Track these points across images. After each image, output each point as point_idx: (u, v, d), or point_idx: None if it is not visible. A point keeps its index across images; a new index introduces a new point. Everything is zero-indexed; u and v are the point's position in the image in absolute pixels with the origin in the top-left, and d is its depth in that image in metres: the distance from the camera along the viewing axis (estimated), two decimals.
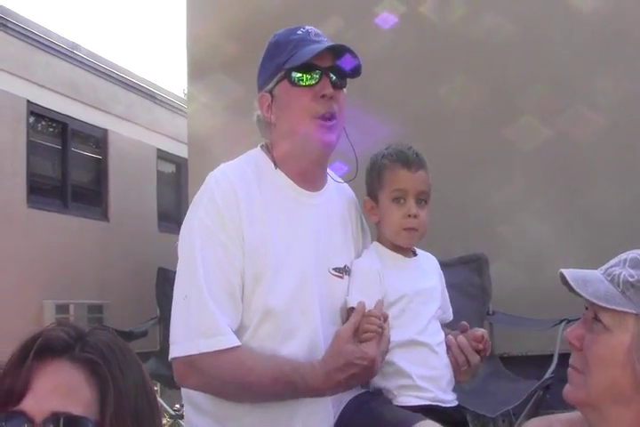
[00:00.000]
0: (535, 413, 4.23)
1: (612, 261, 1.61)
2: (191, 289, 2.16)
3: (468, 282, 4.68)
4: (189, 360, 2.14)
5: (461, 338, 2.35)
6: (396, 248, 2.43)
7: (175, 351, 2.16)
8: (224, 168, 2.31)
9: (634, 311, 1.50)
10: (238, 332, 2.21)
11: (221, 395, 2.25)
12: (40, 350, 1.34)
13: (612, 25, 5.74)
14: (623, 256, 1.60)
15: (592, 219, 5.52)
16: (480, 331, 2.37)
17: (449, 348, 2.37)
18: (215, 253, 2.18)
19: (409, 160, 2.37)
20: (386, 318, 2.18)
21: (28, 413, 1.29)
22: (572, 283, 1.55)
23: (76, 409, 1.32)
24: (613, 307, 1.50)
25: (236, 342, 2.14)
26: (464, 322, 2.44)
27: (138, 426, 1.38)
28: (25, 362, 1.33)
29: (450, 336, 2.39)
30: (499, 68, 5.87)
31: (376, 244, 2.46)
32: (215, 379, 2.16)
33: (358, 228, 2.53)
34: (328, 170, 2.49)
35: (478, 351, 2.34)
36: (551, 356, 4.30)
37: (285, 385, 2.11)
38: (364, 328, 2.11)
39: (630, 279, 1.53)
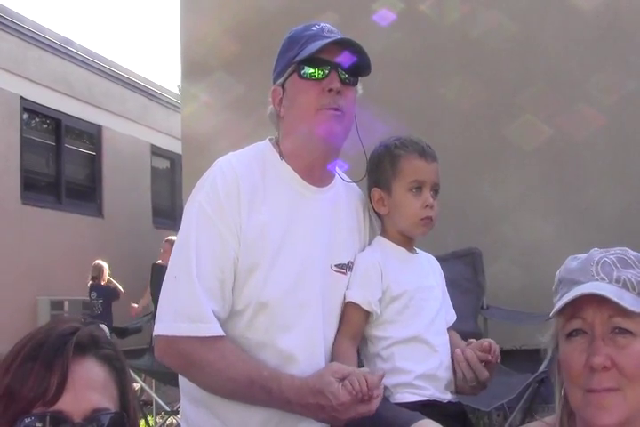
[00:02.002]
0: (529, 407, 4.25)
1: (602, 268, 1.58)
2: (182, 271, 2.17)
3: (463, 276, 4.67)
4: (170, 340, 2.14)
5: (469, 352, 2.29)
6: (402, 242, 2.40)
7: (158, 329, 2.17)
8: (231, 157, 2.31)
9: None
10: (232, 321, 2.21)
11: (195, 381, 2.24)
12: (75, 347, 1.33)
13: (608, 21, 5.74)
14: (605, 260, 1.58)
15: (588, 216, 5.52)
16: (487, 341, 2.32)
17: (457, 362, 2.30)
18: (210, 239, 2.18)
19: (425, 151, 2.36)
20: (372, 393, 2.04)
21: (66, 412, 1.28)
22: (619, 301, 1.50)
23: (110, 405, 1.33)
24: None
25: (218, 331, 2.13)
26: (471, 339, 2.41)
27: (137, 419, 1.40)
28: (59, 360, 1.31)
29: (458, 350, 2.33)
30: (497, 65, 5.85)
31: (380, 238, 2.43)
32: (192, 365, 2.16)
33: (366, 227, 2.49)
34: (338, 170, 2.45)
35: (487, 363, 2.29)
36: (545, 350, 4.31)
37: (261, 389, 2.10)
38: (350, 380, 2.02)
39: (639, 279, 1.54)
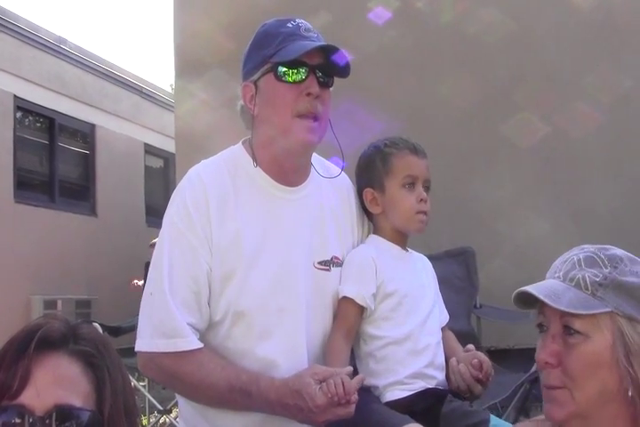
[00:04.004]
0: (522, 406, 4.25)
1: (565, 267, 1.59)
2: (156, 287, 2.18)
3: (456, 275, 4.68)
4: (150, 356, 2.17)
5: (463, 367, 2.28)
6: (396, 240, 2.41)
7: (138, 345, 2.19)
8: (199, 168, 2.31)
9: (609, 310, 1.50)
10: (212, 331, 2.22)
11: (178, 392, 2.29)
12: (39, 342, 1.35)
13: (602, 19, 5.75)
14: (573, 258, 1.60)
15: (583, 214, 5.54)
16: (478, 358, 2.29)
17: (451, 373, 2.30)
18: (182, 252, 2.18)
19: (415, 148, 2.38)
20: (349, 398, 2.01)
21: (27, 406, 1.30)
22: (546, 300, 1.53)
23: (77, 401, 1.33)
24: (592, 312, 1.49)
25: (195, 345, 2.14)
26: (470, 345, 2.41)
27: (127, 419, 1.40)
28: (23, 355, 1.33)
29: (453, 360, 2.33)
30: (492, 63, 5.86)
31: (374, 236, 2.44)
32: (172, 378, 2.19)
33: (354, 216, 2.46)
34: (320, 162, 2.44)
35: (478, 380, 2.28)
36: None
37: (241, 393, 2.11)
38: (328, 383, 2.02)
39: (596, 279, 1.53)
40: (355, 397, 2.02)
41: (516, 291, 1.58)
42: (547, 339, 1.56)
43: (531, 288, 1.57)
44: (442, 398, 2.25)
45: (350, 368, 2.13)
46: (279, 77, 2.22)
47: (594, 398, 1.50)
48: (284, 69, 2.21)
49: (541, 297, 1.53)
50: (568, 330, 1.53)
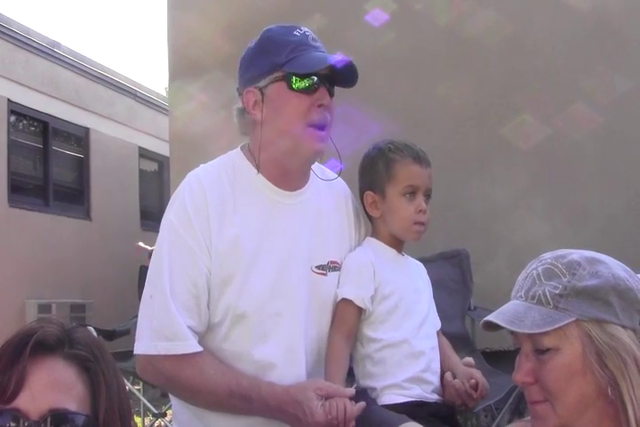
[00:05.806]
0: (517, 407, 4.26)
1: (526, 283, 1.60)
2: (156, 290, 2.19)
3: (450, 278, 4.69)
4: (149, 359, 2.18)
5: (459, 383, 2.29)
6: (393, 244, 2.43)
7: (137, 348, 2.20)
8: (198, 172, 2.32)
9: (574, 318, 1.51)
10: (210, 333, 2.23)
11: (177, 396, 2.29)
12: (34, 346, 1.35)
13: (597, 21, 5.75)
14: (532, 273, 1.60)
15: (580, 218, 5.53)
16: (475, 379, 2.30)
17: (445, 385, 2.32)
18: (181, 256, 2.19)
19: (419, 156, 2.38)
20: (349, 423, 2.03)
21: (22, 410, 1.30)
22: (509, 327, 1.54)
23: (72, 405, 1.33)
24: (557, 326, 1.51)
25: (194, 348, 2.15)
26: (469, 358, 2.43)
27: (122, 423, 1.40)
28: (19, 359, 1.33)
29: (448, 374, 2.34)
30: (489, 65, 5.84)
31: (370, 239, 2.44)
32: (171, 381, 2.19)
33: (351, 221, 2.48)
34: (318, 167, 2.45)
35: (472, 398, 2.29)
36: None
37: (241, 399, 2.12)
38: (330, 403, 2.03)
39: (556, 291, 1.54)
40: (352, 424, 2.04)
41: (482, 321, 1.62)
42: (521, 358, 1.58)
43: (493, 317, 1.59)
44: (436, 418, 2.25)
45: (352, 390, 2.15)
46: (292, 87, 2.22)
47: (575, 407, 1.51)
48: (298, 80, 2.21)
49: (504, 324, 1.55)
50: (538, 347, 1.55)
